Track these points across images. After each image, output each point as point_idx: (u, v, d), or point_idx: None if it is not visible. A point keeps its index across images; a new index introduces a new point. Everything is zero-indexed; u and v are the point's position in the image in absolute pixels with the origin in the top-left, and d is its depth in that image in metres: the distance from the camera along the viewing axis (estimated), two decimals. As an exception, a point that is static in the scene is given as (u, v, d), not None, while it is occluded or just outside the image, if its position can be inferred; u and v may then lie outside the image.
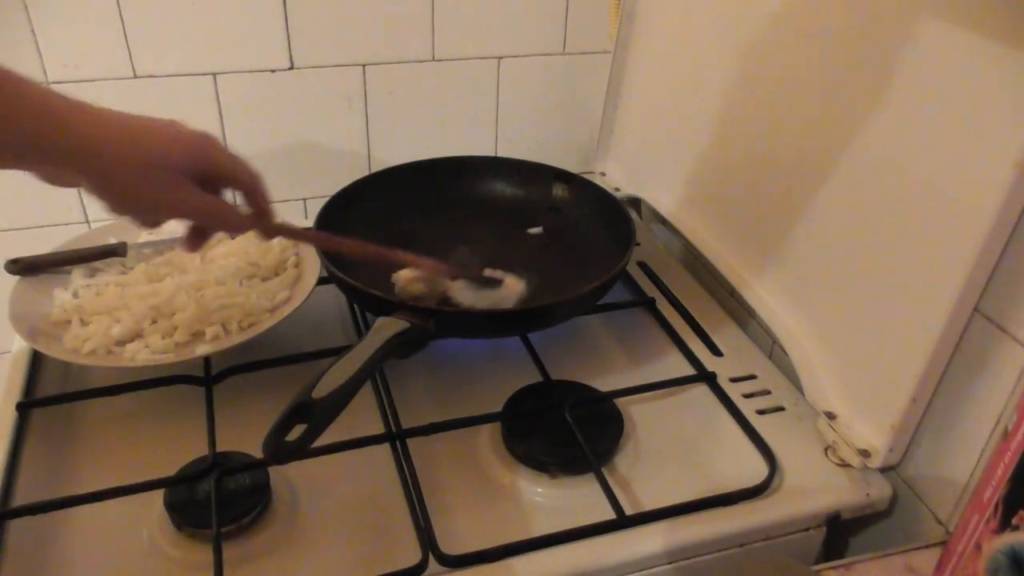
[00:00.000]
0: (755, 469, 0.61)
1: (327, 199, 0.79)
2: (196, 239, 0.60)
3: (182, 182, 0.53)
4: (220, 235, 0.78)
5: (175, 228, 0.80)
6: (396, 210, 0.84)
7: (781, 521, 0.58)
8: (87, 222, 0.90)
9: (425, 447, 0.62)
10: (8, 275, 0.71)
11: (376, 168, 0.96)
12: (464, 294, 0.70)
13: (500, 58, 0.96)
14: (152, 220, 0.57)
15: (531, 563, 0.54)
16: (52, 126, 0.47)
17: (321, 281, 0.73)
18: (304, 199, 0.97)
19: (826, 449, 0.63)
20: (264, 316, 0.69)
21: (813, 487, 0.60)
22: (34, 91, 0.47)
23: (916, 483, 0.62)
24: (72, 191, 0.88)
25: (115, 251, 0.75)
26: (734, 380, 0.71)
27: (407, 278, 0.72)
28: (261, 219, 0.59)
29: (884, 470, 0.62)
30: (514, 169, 0.89)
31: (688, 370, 0.72)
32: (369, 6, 0.88)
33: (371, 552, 0.54)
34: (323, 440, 0.51)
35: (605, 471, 0.60)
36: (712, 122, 0.79)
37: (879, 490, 0.60)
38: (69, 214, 0.89)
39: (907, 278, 0.56)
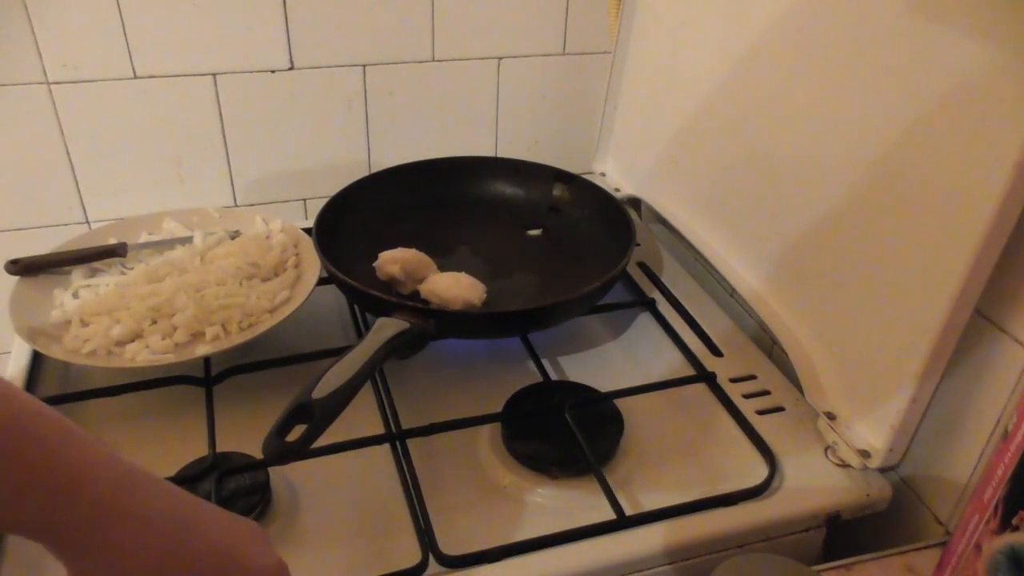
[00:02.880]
0: (755, 469, 0.61)
1: (327, 199, 0.79)
2: None
3: None
4: (220, 235, 0.79)
5: (175, 228, 0.81)
6: (396, 211, 0.84)
7: (781, 521, 0.58)
8: (87, 222, 0.90)
9: (425, 447, 0.62)
10: (8, 275, 0.71)
11: (376, 168, 0.96)
12: (434, 286, 0.70)
13: (500, 58, 0.96)
14: None
15: (531, 563, 0.54)
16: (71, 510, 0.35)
17: (321, 281, 0.73)
18: (304, 199, 0.97)
19: (826, 449, 0.63)
20: (264, 316, 0.69)
21: (813, 487, 0.60)
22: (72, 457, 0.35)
23: (916, 483, 0.62)
24: (72, 190, 0.88)
25: (115, 251, 0.75)
26: (734, 380, 0.71)
27: (386, 259, 0.72)
28: None
29: (884, 470, 0.61)
30: (514, 169, 0.89)
31: (688, 370, 0.72)
32: (369, 6, 0.88)
33: (371, 552, 0.54)
34: (323, 440, 0.51)
35: (605, 471, 0.60)
36: (712, 122, 0.79)
37: (879, 490, 0.60)
38: (69, 214, 0.89)
39: (907, 278, 0.56)
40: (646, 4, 0.87)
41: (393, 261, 0.72)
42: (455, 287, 0.70)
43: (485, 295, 0.71)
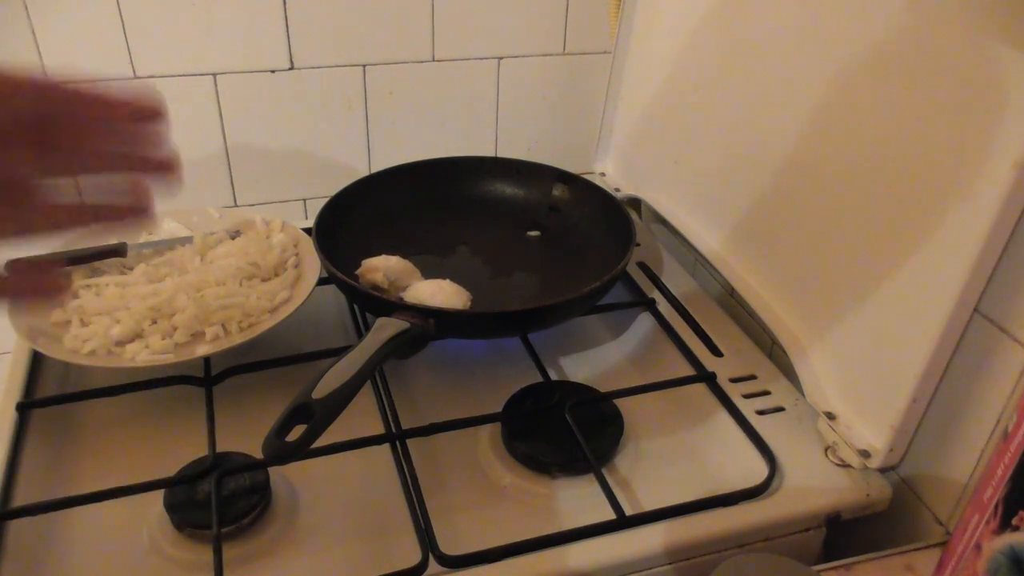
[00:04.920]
0: (755, 469, 0.61)
1: (327, 199, 0.79)
2: None
3: None
4: (219, 235, 0.79)
5: (175, 228, 0.81)
6: (396, 210, 0.84)
7: (781, 521, 0.58)
8: (87, 222, 0.90)
9: (425, 447, 0.62)
10: (8, 275, 0.71)
11: (376, 168, 0.96)
12: (418, 294, 0.70)
13: (500, 58, 0.96)
14: None
15: (531, 563, 0.54)
16: None
17: (321, 281, 0.73)
18: (304, 199, 0.97)
19: (826, 449, 0.63)
20: (264, 316, 0.69)
21: (813, 487, 0.60)
22: None
23: (916, 483, 0.62)
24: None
25: (115, 251, 0.75)
26: (734, 380, 0.71)
27: (368, 267, 0.72)
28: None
29: (884, 470, 0.62)
30: (514, 169, 0.89)
31: (688, 370, 0.72)
32: (369, 6, 0.88)
33: (371, 552, 0.54)
34: (323, 440, 0.51)
35: (605, 471, 0.60)
36: (712, 122, 0.79)
37: (879, 490, 0.60)
38: (69, 214, 0.89)
39: (907, 278, 0.56)
40: (646, 4, 0.87)
41: (375, 269, 0.71)
42: (439, 295, 0.69)
43: (470, 302, 0.71)
